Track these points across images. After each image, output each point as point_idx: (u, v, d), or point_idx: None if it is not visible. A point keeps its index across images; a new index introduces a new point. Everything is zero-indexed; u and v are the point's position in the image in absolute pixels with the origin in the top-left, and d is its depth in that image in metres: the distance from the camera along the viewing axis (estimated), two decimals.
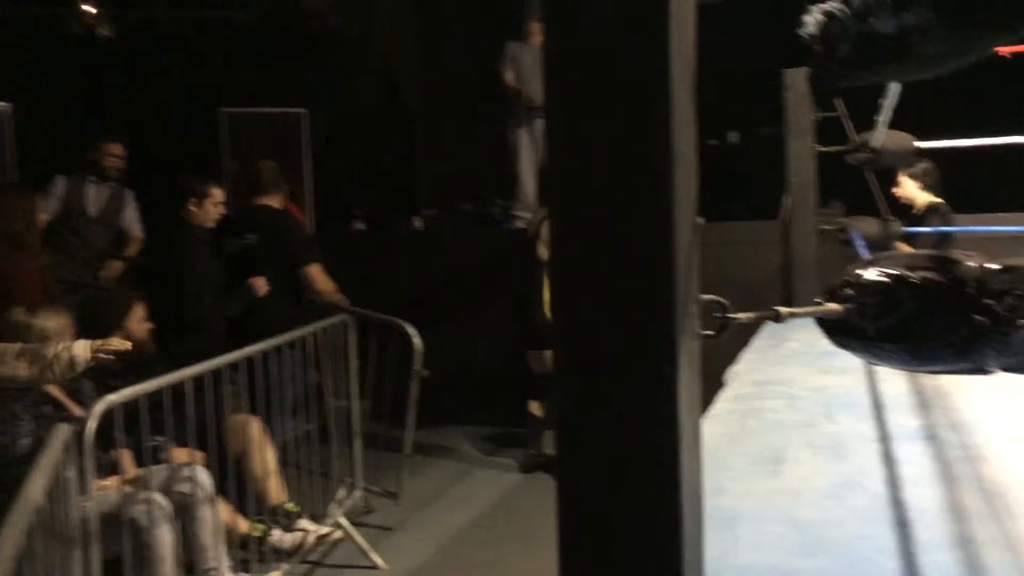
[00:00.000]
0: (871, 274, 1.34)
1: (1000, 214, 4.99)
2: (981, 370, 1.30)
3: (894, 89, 2.78)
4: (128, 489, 2.70)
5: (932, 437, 2.26)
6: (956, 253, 1.32)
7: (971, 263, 1.29)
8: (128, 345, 2.78)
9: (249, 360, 3.35)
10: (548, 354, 5.03)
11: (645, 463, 1.05)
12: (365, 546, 3.93)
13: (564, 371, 1.10)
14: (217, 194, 4.52)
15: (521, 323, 5.01)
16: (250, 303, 4.29)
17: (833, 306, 1.30)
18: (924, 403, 2.65)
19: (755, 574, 1.45)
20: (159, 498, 2.74)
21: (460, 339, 5.67)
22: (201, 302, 4.26)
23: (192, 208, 4.42)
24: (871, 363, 1.40)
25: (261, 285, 4.35)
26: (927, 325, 1.29)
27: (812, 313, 1.30)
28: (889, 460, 2.10)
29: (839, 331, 1.37)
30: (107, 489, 2.67)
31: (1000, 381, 2.79)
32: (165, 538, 2.71)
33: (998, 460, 2.03)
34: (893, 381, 2.93)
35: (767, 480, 1.97)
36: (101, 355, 2.65)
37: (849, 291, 1.34)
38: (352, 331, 4.20)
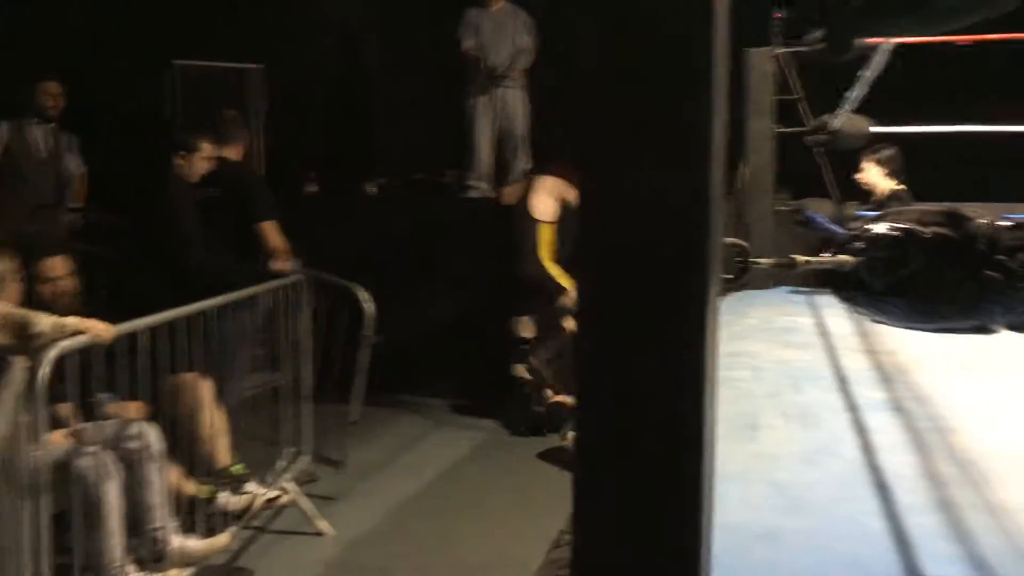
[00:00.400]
0: (881, 228, 1.32)
1: (963, 204, 5.07)
2: (985, 328, 1.28)
3: (870, 72, 2.79)
4: (74, 442, 2.58)
5: (898, 409, 2.27)
6: (965, 210, 1.31)
7: (982, 220, 1.27)
8: (107, 336, 2.63)
9: (202, 316, 3.23)
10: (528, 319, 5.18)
11: (675, 406, 1.01)
12: (312, 512, 3.85)
13: (591, 318, 1.05)
14: (206, 148, 4.34)
15: (508, 287, 5.10)
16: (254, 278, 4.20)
17: (846, 257, 1.27)
18: (886, 377, 2.66)
19: (744, 532, 1.43)
20: (106, 454, 2.63)
21: (410, 307, 5.58)
22: (189, 259, 4.07)
23: (180, 162, 4.27)
24: (874, 319, 1.38)
25: (283, 265, 4.34)
26: (936, 280, 1.27)
27: (825, 264, 1.27)
28: (860, 429, 2.10)
29: (845, 285, 1.34)
30: (56, 441, 2.55)
31: (959, 360, 2.84)
32: (111, 494, 2.60)
33: (966, 431, 2.04)
34: (853, 356, 2.95)
35: (744, 446, 1.95)
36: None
37: (859, 244, 1.32)
38: (306, 292, 4.08)
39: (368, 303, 4.36)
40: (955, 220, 1.26)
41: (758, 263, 1.18)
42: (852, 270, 1.28)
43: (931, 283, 1.25)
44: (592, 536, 1.11)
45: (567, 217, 5.14)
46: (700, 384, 1.04)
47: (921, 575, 1.31)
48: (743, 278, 1.15)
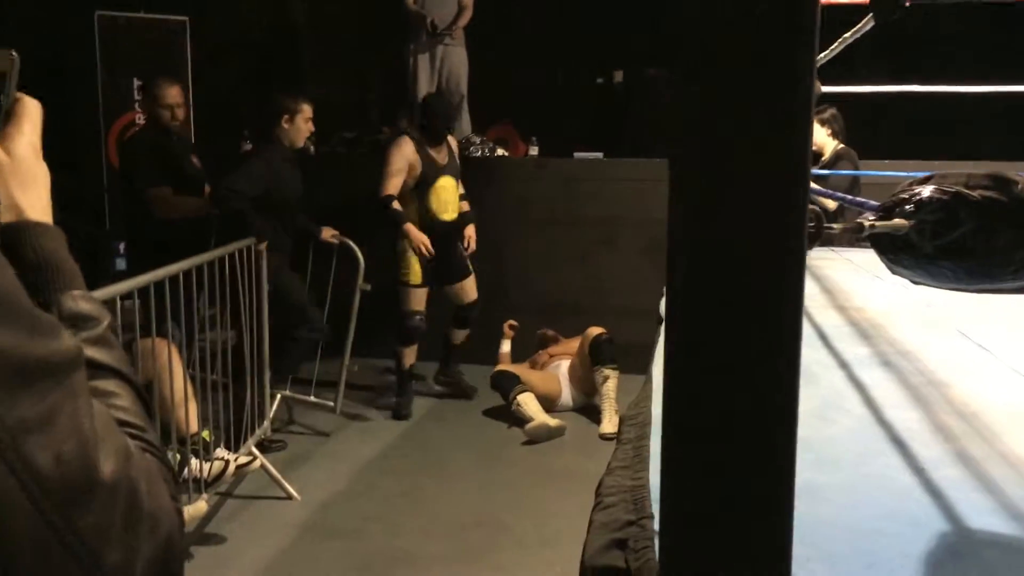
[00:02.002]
0: (928, 191, 1.34)
1: (904, 161, 5.23)
2: None
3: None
4: None
5: (887, 364, 2.35)
6: (1008, 173, 1.34)
7: None
8: None
9: (160, 281, 3.11)
10: (467, 283, 5.12)
11: (768, 356, 1.03)
12: (278, 476, 3.80)
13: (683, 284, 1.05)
14: (307, 110, 4.42)
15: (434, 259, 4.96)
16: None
17: (900, 222, 1.30)
18: (863, 333, 2.75)
19: None
20: None
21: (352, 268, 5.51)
22: (295, 224, 4.50)
23: (284, 126, 4.34)
24: (919, 281, 1.41)
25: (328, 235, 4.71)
26: (987, 243, 1.30)
27: (883, 228, 1.29)
28: (858, 384, 2.17)
29: (893, 248, 1.37)
30: None
31: (922, 311, 2.94)
32: None
33: (957, 385, 2.13)
34: (825, 313, 3.05)
35: None
36: None
37: (908, 208, 1.34)
38: (263, 256, 3.98)
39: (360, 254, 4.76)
40: (1002, 183, 1.29)
41: (831, 228, 1.19)
42: (903, 233, 1.30)
43: (983, 246, 1.27)
44: (679, 496, 1.12)
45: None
46: (795, 342, 1.06)
47: (967, 528, 1.36)
48: (816, 242, 1.16)
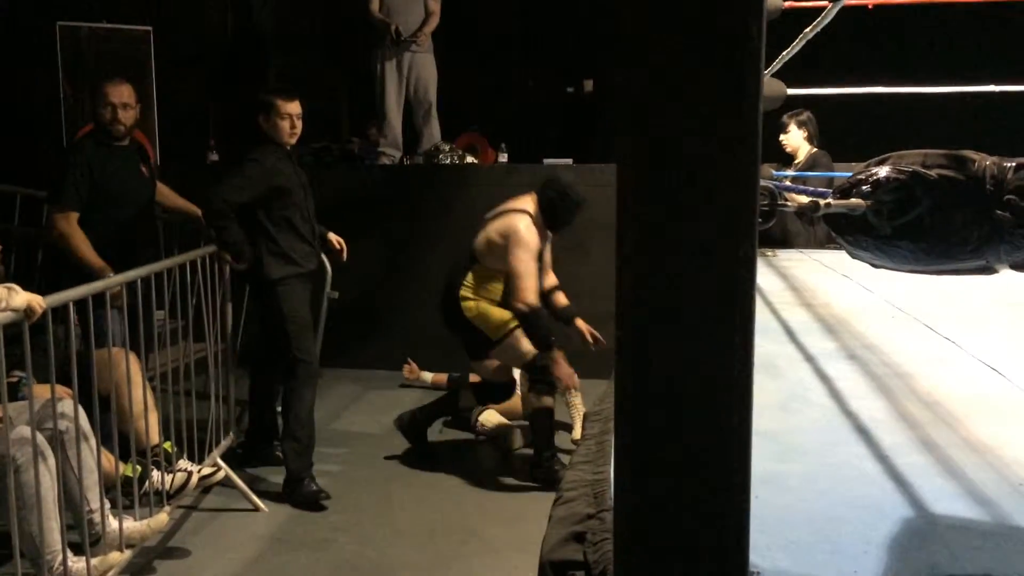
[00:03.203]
0: (885, 171, 1.33)
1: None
2: (990, 268, 1.31)
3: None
4: None
5: (852, 357, 2.34)
6: (968, 152, 1.32)
7: (985, 161, 1.29)
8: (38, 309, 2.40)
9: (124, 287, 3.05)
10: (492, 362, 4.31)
11: (722, 344, 1.00)
12: (244, 488, 3.72)
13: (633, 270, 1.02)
14: (283, 105, 4.01)
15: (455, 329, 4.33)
16: None
17: (857, 201, 1.28)
18: (829, 328, 2.74)
19: None
20: (36, 435, 2.45)
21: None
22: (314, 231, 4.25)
23: (263, 124, 4.02)
24: (877, 264, 1.39)
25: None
26: (945, 222, 1.28)
27: (838, 207, 1.27)
28: (823, 377, 2.15)
29: (852, 230, 1.35)
30: None
31: (887, 307, 2.94)
32: (45, 477, 2.43)
33: (923, 376, 2.12)
34: (792, 310, 3.04)
35: None
36: None
37: (864, 188, 1.32)
38: (226, 265, 3.91)
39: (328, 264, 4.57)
40: (959, 162, 1.27)
41: (785, 206, 1.17)
42: (861, 214, 1.28)
43: (941, 225, 1.26)
44: (633, 485, 1.09)
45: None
46: (748, 329, 1.04)
47: (930, 513, 1.34)
48: (771, 221, 1.13)
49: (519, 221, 4.12)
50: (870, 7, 5.08)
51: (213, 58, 7.39)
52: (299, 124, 4.02)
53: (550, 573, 1.22)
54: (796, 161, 5.34)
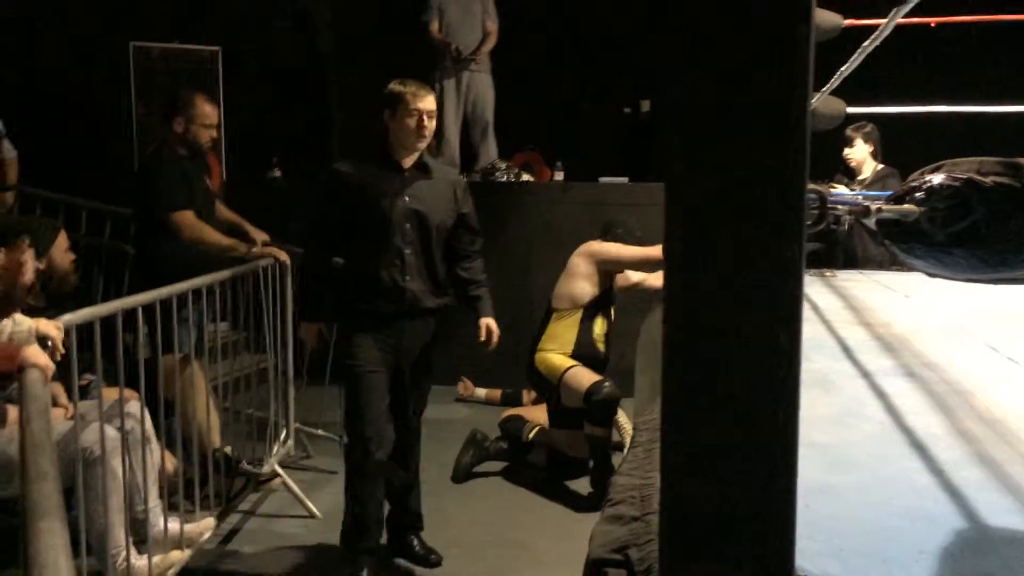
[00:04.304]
0: (939, 178, 1.32)
1: None
2: None
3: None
4: (75, 419, 2.48)
5: (911, 374, 2.30)
6: (1022, 160, 1.31)
7: None
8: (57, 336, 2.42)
9: (180, 298, 3.14)
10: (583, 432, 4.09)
11: (767, 345, 1.01)
12: (300, 494, 3.79)
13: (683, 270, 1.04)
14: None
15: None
16: None
17: (910, 207, 1.27)
18: (888, 347, 2.71)
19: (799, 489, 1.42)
20: (110, 428, 2.54)
21: None
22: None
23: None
24: (931, 272, 1.38)
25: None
26: (1000, 229, 1.27)
27: (890, 212, 1.27)
28: (879, 393, 2.12)
29: (905, 237, 1.34)
30: (57, 418, 2.46)
31: (950, 327, 2.89)
32: (117, 470, 2.52)
33: (983, 394, 2.08)
34: (851, 329, 3.00)
35: None
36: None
37: (919, 195, 1.32)
38: (288, 273, 4.01)
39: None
40: (1015, 169, 1.26)
41: (835, 209, 1.18)
42: (914, 220, 1.28)
43: (996, 232, 1.25)
44: (680, 495, 1.10)
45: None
46: (795, 330, 1.04)
47: (985, 526, 1.32)
48: (822, 223, 1.14)
49: (585, 246, 4.37)
50: (933, 25, 5.02)
51: (278, 77, 7.58)
52: (430, 124, 3.22)
53: (593, 571, 1.23)
54: (860, 176, 5.27)
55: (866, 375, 2.30)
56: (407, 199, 3.17)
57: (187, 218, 3.76)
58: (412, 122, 3.16)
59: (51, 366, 2.00)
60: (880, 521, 1.35)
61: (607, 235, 4.43)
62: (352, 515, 3.17)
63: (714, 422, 1.05)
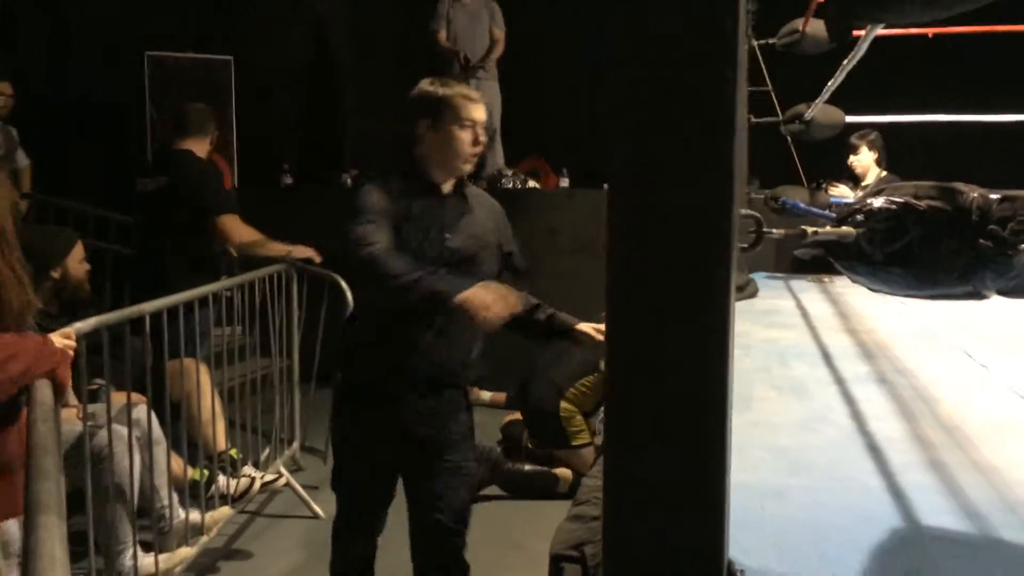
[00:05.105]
0: (879, 202, 1.42)
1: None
2: (978, 294, 1.38)
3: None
4: (85, 421, 2.60)
5: (883, 380, 2.39)
6: (958, 184, 1.41)
7: (973, 193, 1.37)
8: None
9: (187, 304, 3.26)
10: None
11: (698, 361, 1.10)
12: (304, 496, 3.91)
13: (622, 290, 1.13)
14: None
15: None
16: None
17: (847, 229, 1.37)
18: (867, 353, 2.79)
19: (749, 490, 1.52)
20: (120, 428, 2.67)
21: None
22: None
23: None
24: (872, 288, 1.47)
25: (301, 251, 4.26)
26: (932, 250, 1.37)
27: (830, 235, 1.36)
28: (849, 399, 2.21)
29: (846, 255, 1.44)
30: (69, 419, 2.58)
31: (931, 334, 2.97)
32: (125, 471, 2.64)
33: (948, 401, 2.17)
34: (834, 335, 3.09)
35: (740, 415, 2.05)
36: None
37: (859, 217, 1.41)
38: (295, 280, 4.13)
39: (349, 291, 4.38)
40: (948, 193, 1.36)
41: (770, 233, 1.27)
42: (854, 241, 1.38)
43: (929, 253, 1.34)
44: (623, 497, 1.19)
45: None
46: (724, 345, 1.14)
47: (920, 525, 1.41)
48: (757, 246, 1.23)
49: None
50: (930, 36, 5.09)
51: (290, 86, 7.72)
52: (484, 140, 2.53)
53: (552, 566, 1.33)
54: (865, 183, 5.35)
55: (840, 381, 2.39)
56: (447, 237, 2.41)
57: (236, 221, 3.99)
58: (466, 136, 2.42)
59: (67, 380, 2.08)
60: (824, 520, 1.45)
61: None
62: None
63: (649, 424, 1.14)
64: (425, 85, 2.49)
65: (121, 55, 6.74)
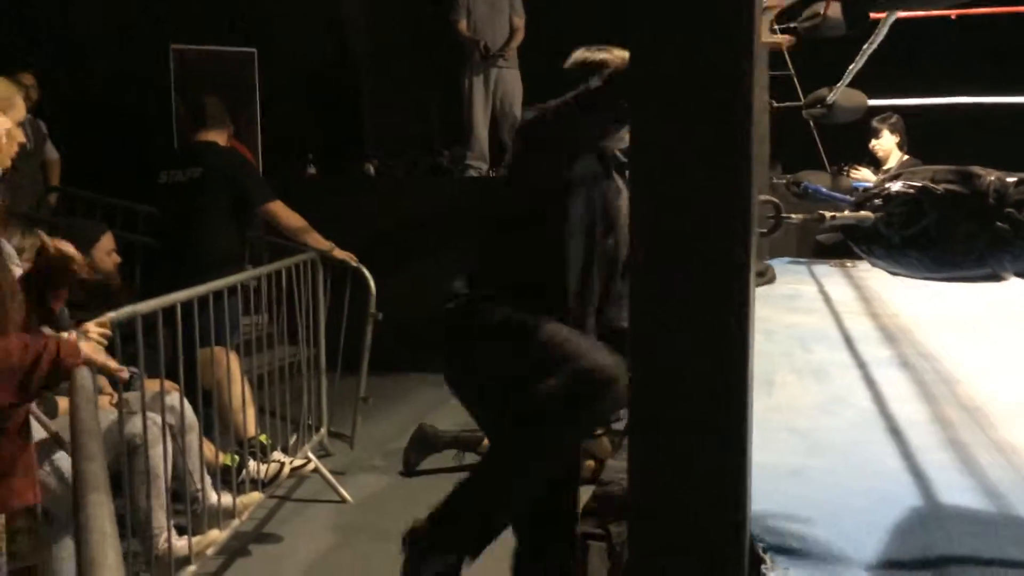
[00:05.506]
0: (897, 186, 1.44)
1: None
2: (996, 276, 1.40)
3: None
4: (120, 408, 2.67)
5: (905, 364, 2.41)
6: (974, 168, 1.43)
7: (990, 176, 1.39)
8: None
9: (217, 293, 3.32)
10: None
11: (720, 341, 1.13)
12: (332, 481, 3.97)
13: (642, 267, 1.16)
14: None
15: None
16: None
17: (865, 213, 1.39)
18: (890, 337, 2.80)
19: (769, 470, 1.55)
20: (154, 416, 2.73)
21: (413, 286, 5.67)
22: None
23: None
24: (891, 271, 1.50)
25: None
26: (950, 233, 1.39)
27: (848, 219, 1.39)
28: (870, 382, 2.23)
29: (865, 239, 1.46)
30: (104, 407, 2.65)
31: (958, 319, 2.97)
32: (159, 457, 2.71)
33: (969, 383, 2.19)
34: (857, 319, 3.09)
35: (761, 399, 2.07)
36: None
37: (877, 201, 1.44)
38: (321, 269, 4.19)
39: (371, 280, 4.45)
40: (965, 177, 1.38)
41: (789, 218, 1.30)
42: (872, 225, 1.40)
43: (946, 236, 1.37)
44: (646, 475, 1.23)
45: None
46: (745, 328, 1.16)
47: (938, 503, 1.43)
48: (776, 231, 1.26)
49: None
50: (953, 17, 5.05)
51: (313, 77, 7.78)
52: None
53: (580, 544, 1.37)
54: (887, 166, 5.34)
55: (861, 365, 2.41)
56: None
57: (284, 207, 4.12)
58: None
59: (110, 363, 2.11)
60: (842, 500, 1.48)
61: None
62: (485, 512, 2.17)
63: (675, 404, 1.17)
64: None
65: (146, 49, 6.82)
